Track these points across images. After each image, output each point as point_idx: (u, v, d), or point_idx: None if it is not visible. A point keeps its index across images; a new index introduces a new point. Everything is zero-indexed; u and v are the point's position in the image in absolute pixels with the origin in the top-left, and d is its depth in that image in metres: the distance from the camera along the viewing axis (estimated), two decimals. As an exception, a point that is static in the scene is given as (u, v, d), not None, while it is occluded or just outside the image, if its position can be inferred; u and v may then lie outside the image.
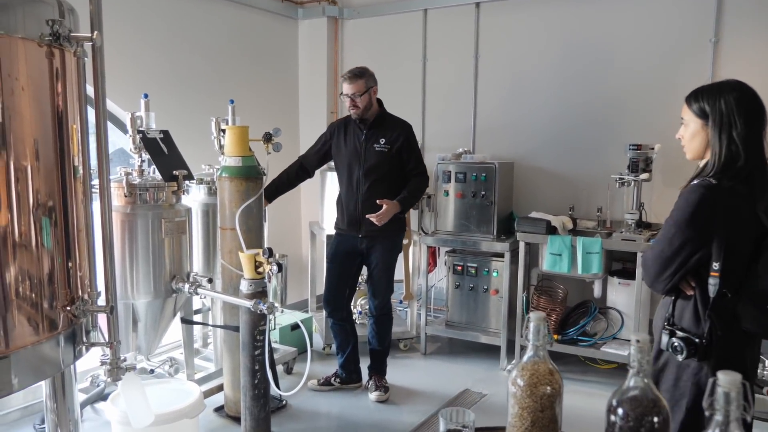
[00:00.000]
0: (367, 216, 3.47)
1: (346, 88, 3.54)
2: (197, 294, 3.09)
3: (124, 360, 2.06)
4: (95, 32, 1.87)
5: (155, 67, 4.12)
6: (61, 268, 1.88)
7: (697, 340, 1.82)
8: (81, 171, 1.96)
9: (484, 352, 4.41)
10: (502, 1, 4.66)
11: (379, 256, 3.63)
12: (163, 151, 3.17)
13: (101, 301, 2.01)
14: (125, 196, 2.95)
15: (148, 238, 2.99)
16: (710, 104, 1.87)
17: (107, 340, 2.02)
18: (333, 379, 3.85)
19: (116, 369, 2.03)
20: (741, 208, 1.82)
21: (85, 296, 1.97)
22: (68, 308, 1.90)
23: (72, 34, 1.87)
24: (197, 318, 3.78)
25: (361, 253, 3.65)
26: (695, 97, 1.93)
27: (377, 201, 3.48)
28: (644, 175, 3.77)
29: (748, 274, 1.82)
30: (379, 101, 3.67)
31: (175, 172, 3.11)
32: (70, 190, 1.92)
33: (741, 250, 1.83)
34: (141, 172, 3.08)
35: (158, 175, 3.11)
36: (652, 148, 3.82)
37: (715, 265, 1.81)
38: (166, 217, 3.04)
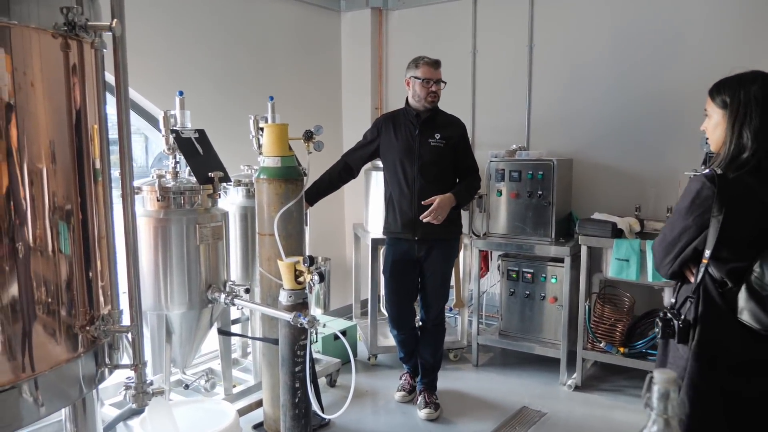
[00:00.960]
0: (421, 218, 3.21)
1: (432, 72, 3.28)
2: (234, 305, 2.89)
3: (151, 383, 1.86)
4: (114, 20, 1.66)
5: (191, 63, 3.94)
6: (81, 281, 1.69)
7: (674, 322, 1.87)
8: (101, 174, 1.76)
9: (540, 364, 4.09)
10: (558, -15, 4.31)
11: (437, 263, 3.37)
12: (198, 152, 2.98)
13: (126, 317, 1.81)
14: (158, 200, 2.77)
15: (183, 245, 2.80)
16: (730, 95, 1.91)
17: (132, 362, 1.82)
18: (414, 380, 3.65)
19: (142, 394, 1.84)
20: (745, 198, 1.83)
21: (106, 312, 1.77)
22: (88, 328, 1.71)
23: (89, 23, 1.67)
24: (236, 329, 3.59)
25: (418, 260, 3.39)
26: (717, 89, 1.97)
27: (422, 202, 3.22)
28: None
29: (751, 267, 1.81)
30: None
31: (210, 174, 2.91)
32: (89, 196, 1.72)
33: (742, 240, 1.83)
34: (175, 174, 2.90)
35: (193, 178, 2.92)
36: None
37: (706, 253, 1.85)
38: (202, 222, 2.85)
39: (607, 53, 4.21)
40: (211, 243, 2.89)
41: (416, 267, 3.42)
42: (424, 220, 3.21)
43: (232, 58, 4.23)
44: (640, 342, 3.67)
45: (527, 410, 3.52)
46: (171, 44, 3.80)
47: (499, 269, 4.22)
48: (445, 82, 3.35)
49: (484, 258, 4.35)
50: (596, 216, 3.82)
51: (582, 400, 3.65)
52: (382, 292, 4.28)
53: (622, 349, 3.66)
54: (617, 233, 3.60)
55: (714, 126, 1.96)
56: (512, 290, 4.11)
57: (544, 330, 4.02)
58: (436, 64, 3.30)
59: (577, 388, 3.77)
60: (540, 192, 3.93)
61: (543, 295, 3.99)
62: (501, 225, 4.11)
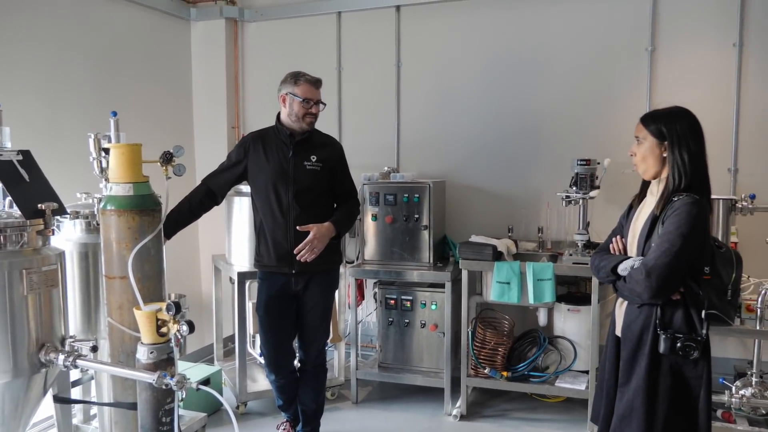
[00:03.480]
0: (296, 253, 2.88)
1: (313, 92, 2.97)
2: (76, 367, 2.33)
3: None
4: None
5: (10, 69, 3.27)
6: None
7: (699, 338, 2.08)
8: None
9: (422, 394, 3.91)
10: (424, 4, 4.25)
11: (316, 296, 3.05)
12: (22, 178, 2.39)
13: None
14: (-33, 242, 2.15)
15: (4, 297, 2.20)
16: (667, 127, 2.17)
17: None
18: (295, 429, 3.29)
19: None
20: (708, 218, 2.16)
21: None
22: None
23: None
24: (77, 392, 2.96)
25: (296, 295, 3.04)
26: (652, 119, 2.22)
27: (298, 228, 2.90)
28: (594, 192, 3.47)
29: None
30: None
31: (40, 206, 2.33)
32: None
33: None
34: (-9, 207, 2.29)
35: (16, 210, 2.32)
36: (599, 163, 3.53)
37: (707, 269, 2.13)
38: (30, 267, 2.27)
39: (475, 74, 4.22)
40: (42, 291, 2.31)
41: (294, 302, 3.08)
42: (300, 259, 2.88)
43: (65, 67, 3.60)
44: (521, 365, 3.63)
45: (417, 449, 3.31)
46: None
47: (375, 298, 4.00)
48: (325, 104, 3.07)
49: (359, 286, 4.11)
50: (474, 239, 3.75)
51: (471, 431, 3.52)
52: (251, 330, 3.88)
53: (505, 374, 3.59)
54: (497, 256, 3.54)
55: (647, 152, 2.20)
56: (390, 319, 3.90)
57: (425, 359, 3.85)
58: (317, 83, 3.03)
59: (462, 417, 3.64)
60: (416, 216, 3.78)
61: (423, 322, 3.82)
62: (376, 251, 3.90)
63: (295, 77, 2.99)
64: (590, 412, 2.48)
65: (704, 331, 2.09)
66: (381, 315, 3.93)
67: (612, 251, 2.35)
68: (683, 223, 2.04)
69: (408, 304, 3.85)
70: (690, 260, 2.08)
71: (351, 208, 3.14)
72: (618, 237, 2.36)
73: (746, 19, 3.66)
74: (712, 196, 3.23)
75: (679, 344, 2.07)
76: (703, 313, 2.09)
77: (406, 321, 3.86)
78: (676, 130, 2.16)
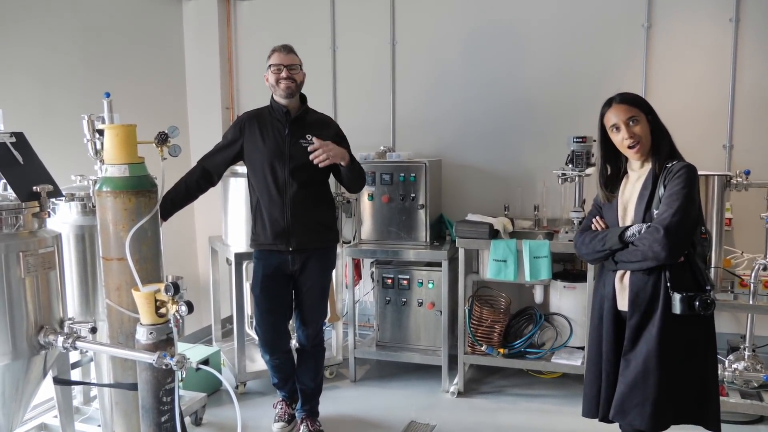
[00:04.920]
0: (310, 149, 2.86)
1: (282, 57, 2.95)
2: (75, 348, 2.34)
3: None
4: None
5: (3, 54, 3.23)
6: None
7: (710, 294, 2.15)
8: None
9: (419, 372, 3.95)
10: (419, -19, 4.20)
11: (314, 275, 3.05)
12: (16, 160, 2.37)
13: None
14: (-37, 225, 2.14)
15: (2, 280, 2.20)
16: (642, 101, 2.31)
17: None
18: (291, 407, 3.30)
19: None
20: None
21: None
22: None
23: None
24: (76, 374, 2.98)
25: (293, 274, 3.04)
26: (634, 98, 2.32)
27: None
28: (590, 170, 3.47)
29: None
30: (302, 95, 3.09)
31: (35, 188, 2.33)
32: None
33: None
34: (-14, 190, 2.28)
35: (11, 193, 2.31)
36: (595, 140, 3.51)
37: (703, 228, 2.25)
38: (27, 249, 2.26)
39: (470, 52, 4.20)
40: (40, 274, 2.31)
41: (290, 282, 3.08)
42: (313, 158, 2.85)
43: (57, 47, 3.55)
44: (518, 341, 3.67)
45: (415, 425, 3.34)
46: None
47: (372, 277, 4.01)
48: (305, 73, 3.04)
49: (356, 266, 4.12)
50: (470, 217, 3.76)
51: (467, 407, 3.56)
52: (248, 311, 3.89)
53: (502, 351, 3.62)
54: (494, 234, 3.55)
55: (645, 128, 2.26)
56: (388, 298, 3.92)
57: (423, 337, 3.88)
58: (285, 48, 2.99)
59: (459, 394, 3.68)
60: (413, 195, 3.78)
61: (420, 301, 3.84)
62: (373, 230, 3.91)
63: (270, 53, 2.99)
64: (583, 408, 2.41)
65: (709, 288, 2.16)
66: (378, 294, 3.94)
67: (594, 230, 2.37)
68: (688, 184, 2.13)
69: (405, 283, 3.86)
70: (696, 219, 2.18)
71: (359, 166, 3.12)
72: (598, 217, 2.39)
73: (743, -7, 3.63)
74: (708, 173, 3.29)
75: (697, 302, 2.10)
76: (712, 270, 2.25)
77: (403, 300, 3.88)
78: (647, 102, 2.31)
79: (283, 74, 2.93)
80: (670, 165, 2.21)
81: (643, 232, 2.16)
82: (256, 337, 4.15)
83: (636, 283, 2.22)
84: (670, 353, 2.16)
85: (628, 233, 2.21)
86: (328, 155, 2.85)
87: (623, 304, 2.28)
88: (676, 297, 2.12)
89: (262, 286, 3.06)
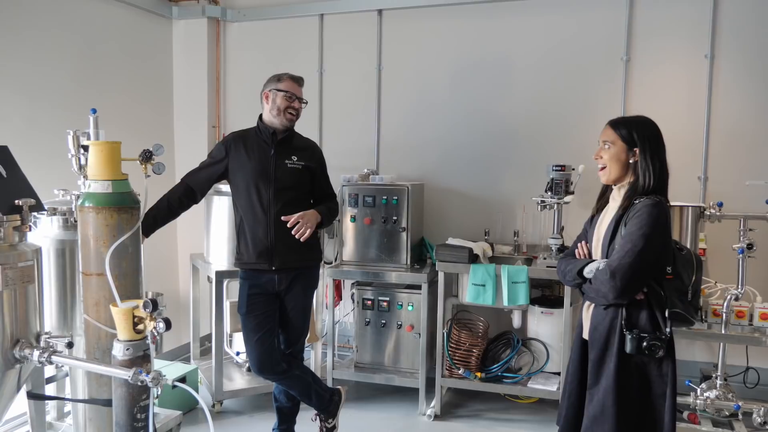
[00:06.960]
0: (289, 224, 2.91)
1: (295, 88, 3.03)
2: (51, 363, 2.33)
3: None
4: None
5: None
6: None
7: (663, 337, 2.14)
8: None
9: (398, 395, 3.96)
10: (406, 9, 4.30)
11: (299, 296, 3.07)
12: (-1, 174, 2.39)
13: None
14: (-57, 237, 2.14)
15: (-21, 293, 2.20)
16: (638, 133, 2.23)
17: None
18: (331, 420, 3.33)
19: None
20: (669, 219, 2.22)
21: None
22: None
23: None
24: (51, 389, 2.96)
25: (278, 294, 3.05)
26: (623, 124, 2.28)
27: (282, 218, 2.93)
28: (568, 198, 3.55)
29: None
30: None
31: (17, 202, 2.34)
32: None
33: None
34: (-33, 202, 2.28)
35: (-7, 206, 2.32)
36: (574, 169, 3.61)
37: (669, 269, 2.21)
38: (6, 263, 2.26)
39: (455, 80, 4.28)
40: (18, 287, 2.31)
41: (276, 301, 3.09)
42: (295, 233, 2.90)
43: (44, 63, 3.58)
44: (495, 366, 3.69)
45: (391, 448, 3.35)
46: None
47: (352, 298, 4.03)
48: (306, 102, 3.11)
49: (337, 287, 4.14)
50: (451, 241, 3.81)
51: (444, 430, 3.57)
52: (227, 329, 3.88)
53: (479, 374, 3.65)
54: (473, 258, 3.60)
55: (614, 157, 2.25)
56: (367, 320, 3.94)
57: (401, 360, 3.90)
58: (300, 80, 3.09)
59: (436, 417, 3.69)
60: (395, 218, 3.83)
61: (400, 323, 3.87)
62: (355, 252, 3.94)
63: (279, 76, 3.06)
64: (558, 417, 2.50)
65: (668, 330, 2.16)
66: (358, 315, 3.96)
67: (578, 256, 2.41)
68: (645, 224, 2.10)
69: (385, 304, 3.89)
70: (653, 260, 2.14)
71: (331, 204, 3.17)
72: (583, 242, 2.42)
73: (717, 31, 3.76)
74: (682, 204, 3.37)
75: (645, 344, 2.12)
76: (667, 312, 2.17)
77: (383, 322, 3.90)
78: (647, 136, 2.24)
79: (295, 104, 3.01)
80: (637, 202, 2.18)
81: (599, 269, 2.20)
82: (236, 357, 4.16)
83: (596, 317, 2.27)
84: (627, 391, 2.18)
85: (586, 270, 2.26)
86: (307, 226, 2.92)
87: (587, 334, 2.33)
88: (627, 337, 2.15)
89: (249, 305, 3.06)
